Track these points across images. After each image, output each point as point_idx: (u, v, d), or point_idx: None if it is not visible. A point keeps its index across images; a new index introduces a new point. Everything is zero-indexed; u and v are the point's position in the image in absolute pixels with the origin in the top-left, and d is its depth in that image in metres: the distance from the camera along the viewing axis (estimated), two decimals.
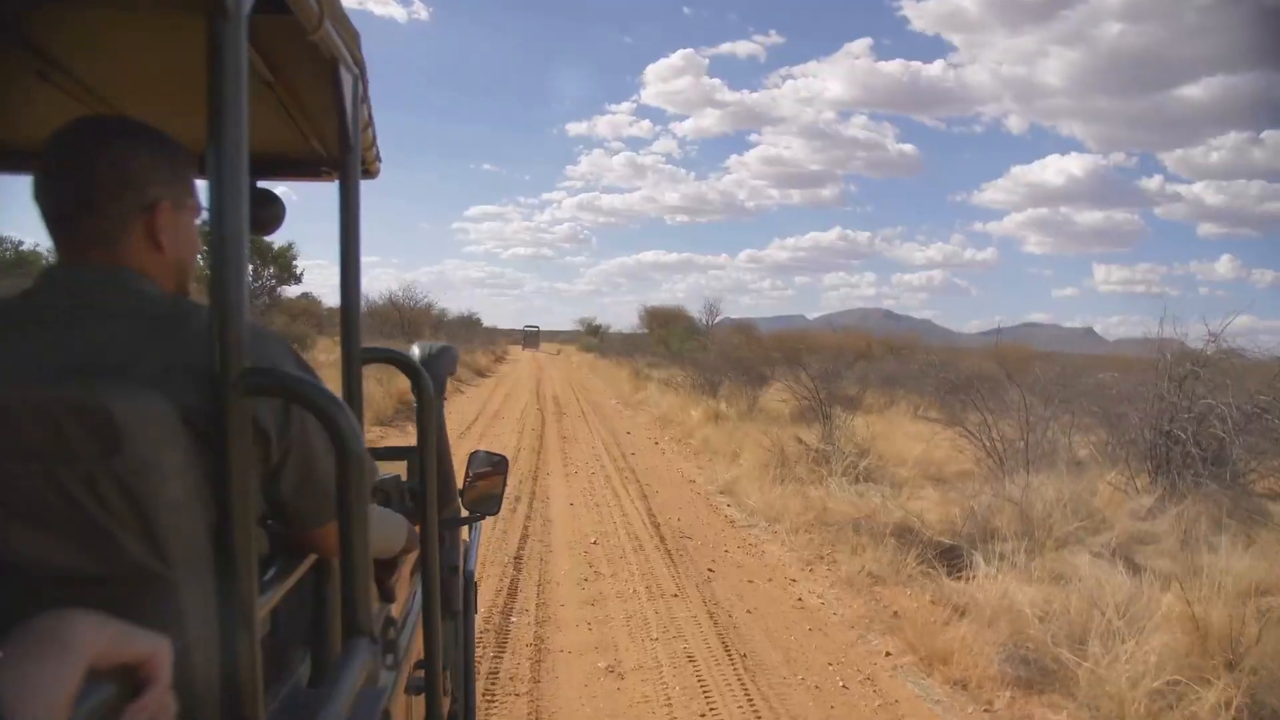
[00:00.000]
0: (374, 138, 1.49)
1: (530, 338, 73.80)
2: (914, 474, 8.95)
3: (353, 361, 1.23)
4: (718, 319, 36.72)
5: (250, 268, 0.93)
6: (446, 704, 1.84)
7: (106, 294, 0.97)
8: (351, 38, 1.12)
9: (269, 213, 1.57)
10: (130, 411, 0.82)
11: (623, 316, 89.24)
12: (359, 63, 1.18)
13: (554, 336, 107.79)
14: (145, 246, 1.02)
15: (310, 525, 1.09)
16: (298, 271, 27.37)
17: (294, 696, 1.07)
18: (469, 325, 58.96)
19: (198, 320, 0.94)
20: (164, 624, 0.73)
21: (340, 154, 1.21)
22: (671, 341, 33.69)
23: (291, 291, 27.76)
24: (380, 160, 1.62)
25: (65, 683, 0.55)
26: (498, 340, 69.84)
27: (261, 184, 1.55)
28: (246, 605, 0.84)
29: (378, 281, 33.84)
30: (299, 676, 1.16)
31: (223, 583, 0.84)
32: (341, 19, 1.06)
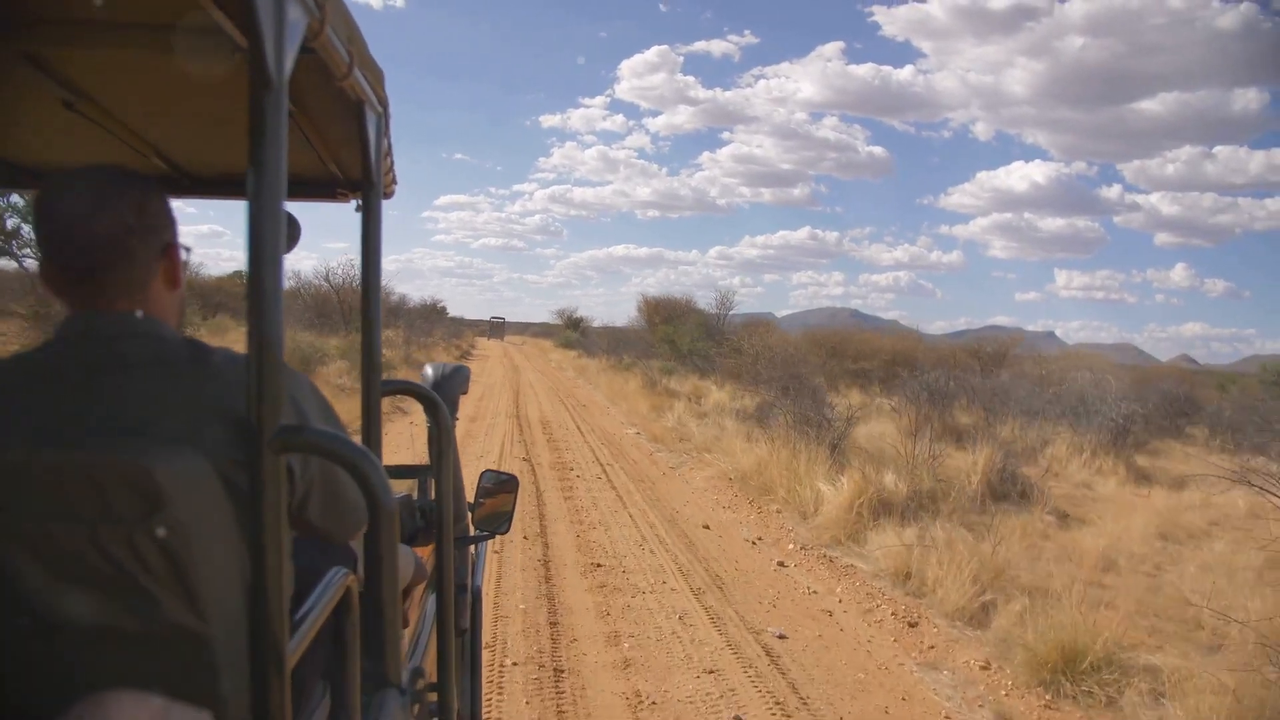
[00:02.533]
0: (391, 163, 1.50)
1: (496, 328, 76.58)
2: None
3: (373, 395, 1.25)
4: (731, 313, 29.76)
5: None
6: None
7: (129, 342, 0.97)
8: (377, 79, 1.15)
9: (286, 230, 1.57)
10: (171, 473, 0.82)
11: (594, 309, 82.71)
12: (383, 101, 1.21)
13: (525, 328, 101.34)
14: (163, 288, 1.04)
15: (338, 540, 1.16)
16: None
17: None
18: (431, 314, 51.62)
19: (215, 363, 0.98)
20: (198, 680, 0.82)
21: (363, 187, 1.23)
22: (681, 339, 26.81)
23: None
24: (396, 183, 1.62)
25: None
26: (464, 332, 63.43)
27: None
28: (279, 656, 0.83)
29: (327, 263, 25.84)
30: (319, 714, 1.15)
31: (256, 634, 0.83)
32: (368, 63, 1.08)
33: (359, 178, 1.26)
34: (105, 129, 1.37)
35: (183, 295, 1.09)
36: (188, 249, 1.09)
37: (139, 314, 0.99)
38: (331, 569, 1.05)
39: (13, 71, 1.14)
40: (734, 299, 30.13)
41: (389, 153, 1.41)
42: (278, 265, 0.82)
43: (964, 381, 18.58)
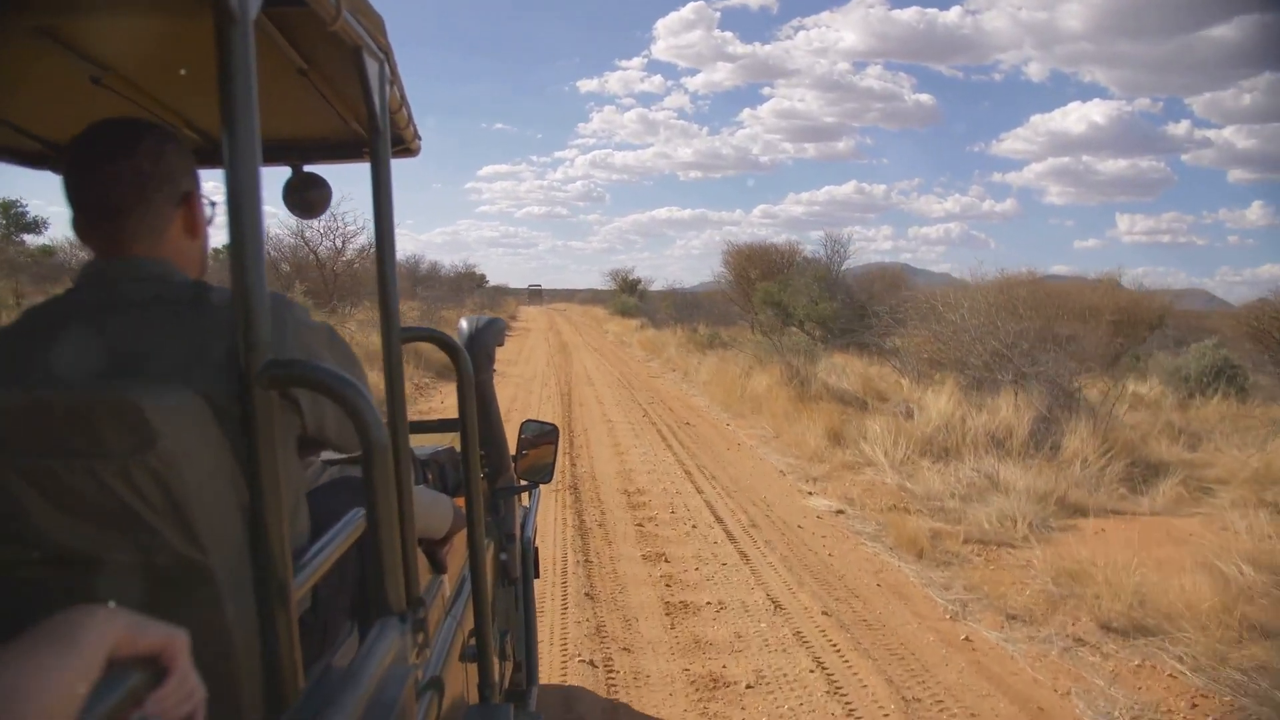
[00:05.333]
0: (409, 117, 1.47)
1: (534, 295, 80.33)
2: None
3: (392, 341, 1.24)
4: (845, 263, 21.72)
5: None
6: (509, 669, 1.99)
7: (135, 285, 0.99)
8: (375, 25, 1.13)
9: (317, 195, 1.68)
10: (161, 408, 0.83)
11: (640, 273, 75.05)
12: (384, 48, 1.18)
13: (572, 295, 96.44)
14: (182, 236, 1.06)
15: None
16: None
17: (328, 674, 1.06)
18: (464, 282, 44.34)
19: (214, 301, 0.99)
20: (203, 609, 0.83)
21: (369, 138, 1.22)
22: (795, 302, 18.97)
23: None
24: (419, 138, 1.60)
25: (73, 675, 0.56)
26: (504, 300, 56.61)
27: (307, 168, 1.68)
28: (282, 587, 0.84)
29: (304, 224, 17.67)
30: (342, 653, 1.17)
31: (258, 567, 0.84)
32: (362, 7, 1.07)
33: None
34: (134, 102, 1.37)
35: (204, 245, 1.11)
36: (213, 203, 1.10)
37: (153, 259, 1.02)
38: (352, 510, 1.08)
39: (32, 47, 1.14)
40: (850, 246, 21.99)
41: (403, 104, 1.39)
42: (256, 209, 0.82)
43: None
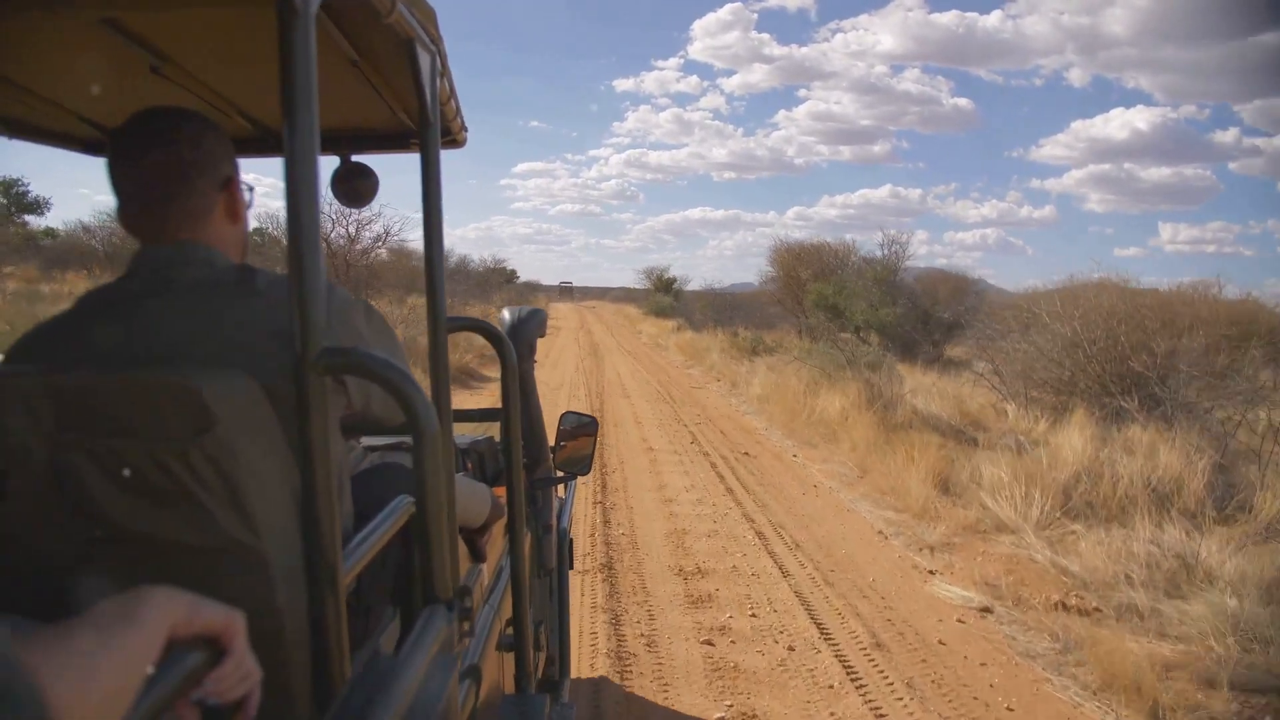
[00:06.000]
0: (457, 109, 1.49)
1: (565, 292, 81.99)
2: None
3: (439, 330, 1.25)
4: (907, 263, 19.65)
5: None
6: (542, 659, 1.93)
7: (180, 270, 1.00)
8: (427, 17, 1.14)
9: (364, 184, 1.66)
10: (219, 393, 0.84)
11: (673, 272, 70.88)
12: (435, 40, 1.19)
13: (605, 293, 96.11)
14: (224, 221, 1.07)
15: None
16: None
17: (376, 661, 1.04)
18: (491, 278, 42.72)
19: (260, 285, 1.00)
20: (255, 593, 0.82)
21: (420, 129, 1.22)
22: (851, 305, 17.03)
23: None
24: (466, 130, 1.60)
25: (136, 654, 0.56)
26: (533, 296, 55.06)
27: (355, 158, 1.66)
28: (331, 572, 0.84)
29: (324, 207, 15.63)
30: (385, 638, 1.16)
31: (308, 551, 0.84)
32: (415, 1, 1.08)
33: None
34: (191, 91, 1.38)
35: (246, 229, 1.11)
36: (250, 188, 1.11)
37: (197, 244, 1.02)
38: (394, 495, 1.08)
39: (96, 37, 1.15)
40: (908, 247, 19.92)
41: (451, 96, 1.39)
42: (314, 197, 0.83)
43: None
